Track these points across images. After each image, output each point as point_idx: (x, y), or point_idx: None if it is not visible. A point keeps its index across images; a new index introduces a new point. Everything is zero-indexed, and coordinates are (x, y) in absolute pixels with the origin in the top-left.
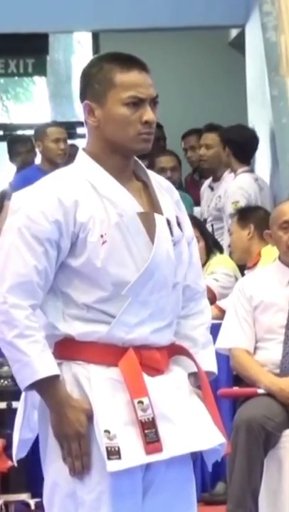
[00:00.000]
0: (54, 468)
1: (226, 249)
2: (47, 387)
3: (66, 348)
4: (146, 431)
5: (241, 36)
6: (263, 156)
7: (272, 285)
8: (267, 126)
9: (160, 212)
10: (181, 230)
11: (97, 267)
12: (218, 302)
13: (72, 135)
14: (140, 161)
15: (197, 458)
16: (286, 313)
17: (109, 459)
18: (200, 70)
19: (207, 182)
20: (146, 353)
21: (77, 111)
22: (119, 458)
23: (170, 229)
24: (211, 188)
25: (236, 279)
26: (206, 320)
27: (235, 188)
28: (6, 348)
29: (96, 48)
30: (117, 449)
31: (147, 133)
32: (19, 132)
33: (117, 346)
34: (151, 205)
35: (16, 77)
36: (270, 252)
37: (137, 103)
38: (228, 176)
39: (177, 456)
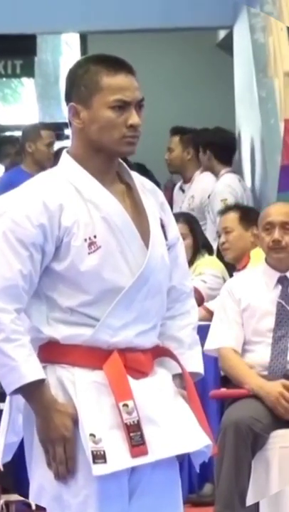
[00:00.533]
0: (40, 472)
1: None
2: (33, 391)
3: (50, 352)
4: (131, 434)
5: (229, 37)
6: (250, 158)
7: (260, 288)
8: (255, 127)
9: (144, 215)
10: (164, 232)
11: (81, 271)
12: (206, 303)
13: (60, 136)
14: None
15: (184, 459)
16: (274, 316)
17: (94, 463)
18: (188, 71)
19: (178, 184)
20: (131, 356)
21: (65, 112)
22: (105, 462)
23: (164, 232)
24: (182, 190)
25: (224, 280)
26: (193, 320)
27: (223, 186)
28: None
29: (84, 49)
30: (102, 452)
31: (132, 136)
32: (7, 134)
33: (102, 349)
34: (135, 207)
35: (4, 79)
36: (259, 254)
37: (122, 106)
38: (199, 176)
39: (163, 458)
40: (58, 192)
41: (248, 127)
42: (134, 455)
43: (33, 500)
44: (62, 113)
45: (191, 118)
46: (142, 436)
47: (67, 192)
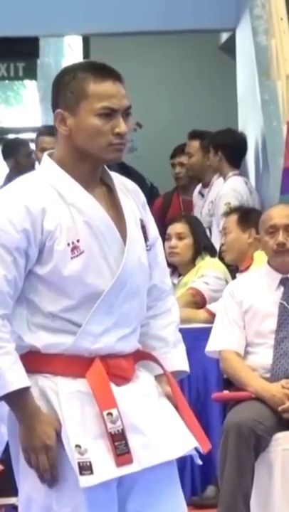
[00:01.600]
0: (28, 483)
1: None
2: (18, 399)
3: (32, 361)
4: (116, 443)
5: (232, 40)
6: (253, 160)
7: (262, 290)
8: (257, 130)
9: (123, 218)
10: (145, 233)
11: (64, 276)
12: (208, 306)
13: None
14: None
15: (186, 462)
16: (276, 318)
17: (81, 474)
18: (190, 74)
19: (197, 189)
20: (113, 362)
21: None
22: (92, 473)
23: (144, 233)
24: (202, 195)
25: (227, 282)
26: (175, 318)
27: (228, 189)
28: None
29: (86, 51)
30: (88, 463)
31: (119, 143)
32: (10, 136)
33: (84, 357)
34: (115, 210)
35: (7, 81)
36: (262, 256)
37: (109, 114)
38: (217, 181)
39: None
40: (40, 196)
41: (250, 130)
42: (119, 464)
43: (21, 510)
44: None
45: (193, 121)
46: (126, 445)
47: (49, 196)
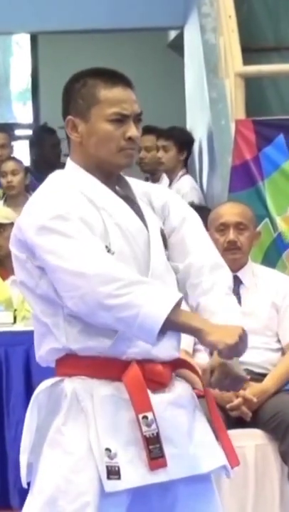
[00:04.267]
0: (44, 475)
1: None
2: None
3: (68, 365)
4: (150, 446)
5: (180, 38)
6: (201, 158)
7: None
8: (205, 128)
9: (145, 224)
10: (165, 241)
11: None
12: None
13: (10, 137)
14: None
15: None
16: None
17: (109, 478)
18: (139, 72)
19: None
20: (149, 367)
21: (16, 113)
22: (119, 478)
23: (165, 241)
24: None
25: None
26: (224, 289)
27: (189, 188)
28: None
29: (35, 49)
30: (117, 468)
31: (130, 148)
32: None
33: (120, 360)
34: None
35: None
36: None
37: (120, 119)
38: (165, 178)
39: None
40: (76, 205)
41: (198, 128)
42: (152, 468)
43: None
44: (13, 113)
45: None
46: (160, 448)
47: (82, 203)
